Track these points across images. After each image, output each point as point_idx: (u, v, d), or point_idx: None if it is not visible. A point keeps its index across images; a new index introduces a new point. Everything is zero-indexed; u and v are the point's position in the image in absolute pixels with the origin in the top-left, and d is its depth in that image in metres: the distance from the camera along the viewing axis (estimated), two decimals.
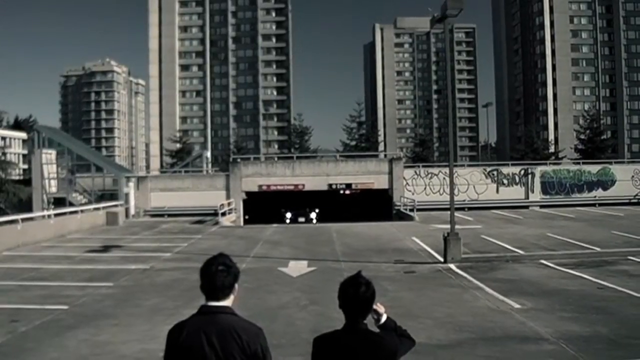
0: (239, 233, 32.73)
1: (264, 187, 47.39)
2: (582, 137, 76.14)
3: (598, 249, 22.84)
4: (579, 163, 55.48)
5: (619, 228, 30.24)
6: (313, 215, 49.48)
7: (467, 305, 14.10)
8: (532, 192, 48.50)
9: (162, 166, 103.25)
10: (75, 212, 35.35)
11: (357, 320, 3.87)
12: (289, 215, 49.04)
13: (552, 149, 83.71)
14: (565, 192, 48.94)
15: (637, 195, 48.42)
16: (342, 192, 48.81)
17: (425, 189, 47.83)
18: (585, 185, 49.32)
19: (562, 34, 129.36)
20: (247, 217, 46.45)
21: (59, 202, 45.07)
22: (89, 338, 11.57)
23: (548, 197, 48.49)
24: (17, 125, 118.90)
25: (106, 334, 11.89)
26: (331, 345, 3.86)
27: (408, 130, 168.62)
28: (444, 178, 46.47)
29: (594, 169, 50.48)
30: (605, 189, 49.20)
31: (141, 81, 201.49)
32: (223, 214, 39.78)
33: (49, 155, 47.27)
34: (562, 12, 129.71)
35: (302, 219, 47.78)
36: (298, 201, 46.83)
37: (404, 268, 19.65)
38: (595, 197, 48.29)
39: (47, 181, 46.62)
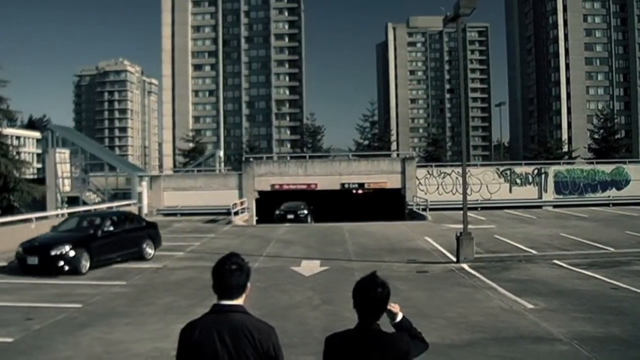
0: (252, 232, 32.80)
1: (277, 187, 47.46)
2: (596, 136, 75.81)
3: (612, 249, 22.75)
4: (592, 163, 55.26)
5: (633, 228, 30.08)
6: (305, 212, 44.50)
7: (479, 305, 14.07)
8: (546, 191, 48.31)
9: (174, 165, 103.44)
10: (89, 211, 35.48)
11: (371, 320, 3.87)
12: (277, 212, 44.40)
13: (565, 149, 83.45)
14: (578, 192, 48.71)
15: None
16: (354, 191, 48.78)
17: (437, 188, 47.73)
18: (599, 185, 49.07)
19: (575, 32, 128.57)
20: (257, 218, 46.44)
21: (72, 201, 45.27)
22: (101, 336, 11.63)
23: (561, 196, 48.29)
24: (31, 125, 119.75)
25: (119, 332, 11.95)
26: (343, 344, 3.86)
27: (421, 130, 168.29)
28: (457, 177, 46.42)
29: (607, 168, 50.21)
30: (619, 188, 48.93)
31: (154, 80, 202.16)
32: (236, 213, 39.87)
33: (62, 154, 47.48)
34: (575, 10, 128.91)
35: (291, 217, 43.18)
36: (310, 201, 46.80)
37: (417, 268, 19.62)
38: (609, 197, 48.04)
39: (60, 180, 46.82)
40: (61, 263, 18.71)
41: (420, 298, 14.84)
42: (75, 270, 18.73)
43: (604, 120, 76.80)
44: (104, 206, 39.18)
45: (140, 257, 21.95)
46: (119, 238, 21.28)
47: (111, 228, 21.27)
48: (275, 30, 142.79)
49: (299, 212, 43.50)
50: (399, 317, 4.09)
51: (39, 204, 42.92)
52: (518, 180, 48.61)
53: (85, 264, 19.27)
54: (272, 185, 47.52)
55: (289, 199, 47.04)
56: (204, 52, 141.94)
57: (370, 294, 3.87)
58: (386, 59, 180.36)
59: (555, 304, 13.83)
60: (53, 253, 18.82)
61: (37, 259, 18.75)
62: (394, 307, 4.05)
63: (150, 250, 22.67)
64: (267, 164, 51.42)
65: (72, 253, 18.91)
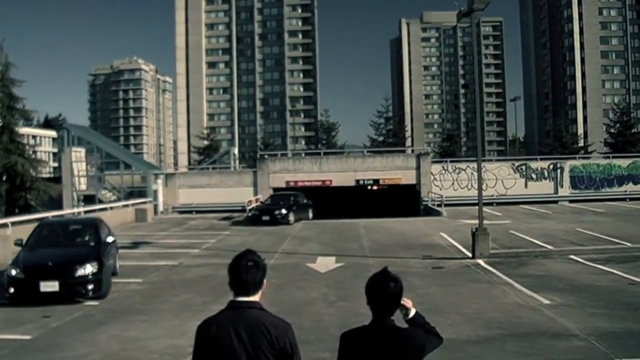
0: (267, 229, 32.82)
1: (292, 183, 47.49)
2: (612, 130, 75.23)
3: (629, 244, 22.61)
4: (608, 157, 54.85)
5: None
6: (283, 211, 35.22)
7: (495, 301, 14.03)
8: (561, 186, 48.07)
9: (189, 163, 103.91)
10: (105, 209, 35.71)
11: (385, 316, 3.87)
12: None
13: (581, 143, 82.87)
14: (595, 187, 48.43)
15: None
16: (369, 187, 48.73)
17: (453, 184, 47.63)
18: (615, 180, 48.76)
19: (591, 26, 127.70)
20: None
21: (88, 199, 45.53)
22: (118, 334, 11.70)
23: (577, 191, 48.03)
24: (47, 124, 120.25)
25: (136, 329, 12.02)
26: (358, 340, 3.87)
27: (435, 125, 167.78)
28: (472, 173, 46.24)
29: (624, 163, 49.87)
30: (636, 183, 48.58)
31: (168, 79, 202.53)
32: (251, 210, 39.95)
33: (78, 153, 47.80)
34: (590, 3, 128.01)
35: (266, 218, 34.70)
36: (325, 197, 46.81)
37: (432, 264, 19.61)
38: (625, 191, 47.73)
39: (76, 179, 47.13)
40: (90, 287, 14.50)
41: (436, 294, 14.83)
42: (101, 293, 14.88)
43: (620, 114, 76.16)
44: (119, 204, 39.44)
45: (113, 272, 17.43)
46: (111, 251, 17.54)
47: (111, 239, 17.43)
48: (289, 27, 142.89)
49: (275, 212, 34.70)
50: (412, 313, 4.09)
51: (56, 203, 43.21)
52: (534, 176, 48.40)
53: None
54: (287, 182, 47.55)
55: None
56: (217, 50, 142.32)
57: (384, 289, 3.88)
58: (400, 54, 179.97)
59: (571, 300, 13.77)
60: (79, 274, 14.54)
61: (57, 284, 14.08)
62: (406, 302, 4.05)
63: (118, 264, 18.63)
64: (282, 160, 51.52)
65: (98, 273, 14.86)
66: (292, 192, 40.31)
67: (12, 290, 14.18)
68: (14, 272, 14.38)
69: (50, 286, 14.04)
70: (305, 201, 39.14)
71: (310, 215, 38.58)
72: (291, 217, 35.05)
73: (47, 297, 14.07)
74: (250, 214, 37.16)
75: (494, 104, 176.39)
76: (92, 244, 16.46)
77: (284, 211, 34.94)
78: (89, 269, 14.61)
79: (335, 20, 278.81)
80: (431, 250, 22.52)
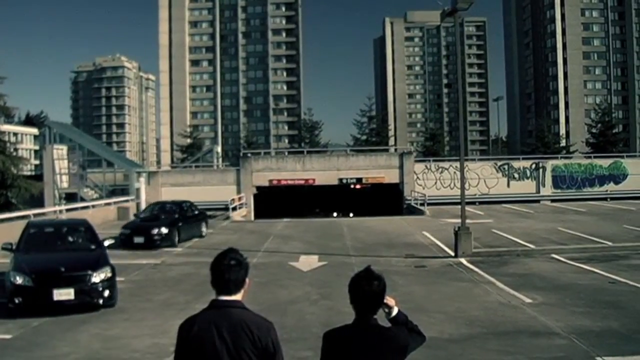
0: (250, 227, 32.78)
1: (275, 182, 47.44)
2: (594, 130, 75.64)
3: (610, 243, 22.76)
4: (590, 157, 55.21)
5: (630, 222, 30.10)
6: (165, 231, 24.75)
7: (478, 299, 14.09)
8: (543, 186, 48.35)
9: (172, 161, 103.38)
10: (87, 207, 35.54)
11: (368, 315, 3.87)
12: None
13: (563, 143, 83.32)
14: (576, 186, 48.76)
15: None
16: (352, 186, 48.74)
17: (436, 183, 47.76)
18: (596, 179, 49.13)
19: (573, 27, 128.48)
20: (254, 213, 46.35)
21: (70, 197, 45.25)
22: (100, 332, 11.63)
23: (559, 191, 48.34)
24: (29, 121, 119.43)
25: (117, 328, 11.95)
26: (341, 340, 3.86)
27: (418, 125, 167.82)
28: (455, 172, 46.41)
29: (605, 162, 50.25)
30: (617, 183, 48.99)
31: (151, 76, 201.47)
32: (234, 209, 39.84)
33: (60, 150, 47.49)
34: (573, 5, 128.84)
35: (139, 240, 24.24)
36: (308, 196, 46.77)
37: (415, 262, 19.64)
38: (606, 191, 48.10)
39: (58, 177, 46.83)
40: (106, 293, 13.54)
41: (418, 293, 14.86)
42: (114, 301, 13.83)
43: (601, 114, 76.60)
44: (102, 202, 39.21)
45: None
46: None
47: (107, 242, 15.82)
48: (273, 26, 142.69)
49: (153, 232, 24.53)
50: (395, 311, 4.09)
51: (37, 201, 42.92)
52: (516, 175, 48.66)
53: None
54: (270, 181, 47.49)
55: (287, 194, 46.95)
56: (201, 48, 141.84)
57: (366, 288, 3.87)
58: (384, 53, 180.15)
59: (553, 298, 13.85)
60: (94, 280, 13.41)
61: (72, 292, 12.96)
62: (389, 301, 4.05)
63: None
64: (265, 159, 51.41)
65: (112, 279, 13.92)
66: (179, 201, 29.90)
67: (18, 300, 12.81)
68: (20, 280, 12.95)
69: (65, 294, 12.88)
70: (196, 212, 29.26)
71: (204, 230, 28.79)
72: (176, 238, 25.38)
73: (60, 306, 12.93)
74: (120, 233, 24.87)
75: (477, 104, 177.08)
76: (92, 246, 15.14)
77: (164, 230, 24.91)
78: (103, 274, 13.55)
79: (319, 18, 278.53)
80: (414, 249, 22.56)
